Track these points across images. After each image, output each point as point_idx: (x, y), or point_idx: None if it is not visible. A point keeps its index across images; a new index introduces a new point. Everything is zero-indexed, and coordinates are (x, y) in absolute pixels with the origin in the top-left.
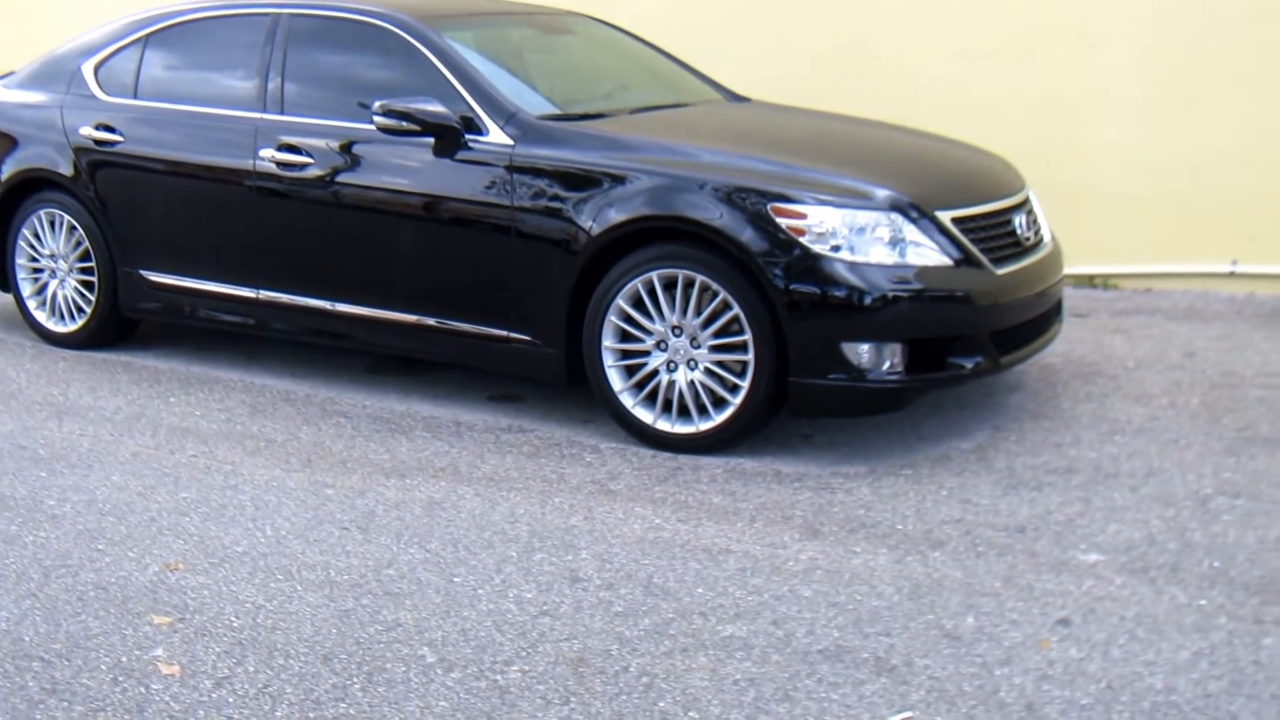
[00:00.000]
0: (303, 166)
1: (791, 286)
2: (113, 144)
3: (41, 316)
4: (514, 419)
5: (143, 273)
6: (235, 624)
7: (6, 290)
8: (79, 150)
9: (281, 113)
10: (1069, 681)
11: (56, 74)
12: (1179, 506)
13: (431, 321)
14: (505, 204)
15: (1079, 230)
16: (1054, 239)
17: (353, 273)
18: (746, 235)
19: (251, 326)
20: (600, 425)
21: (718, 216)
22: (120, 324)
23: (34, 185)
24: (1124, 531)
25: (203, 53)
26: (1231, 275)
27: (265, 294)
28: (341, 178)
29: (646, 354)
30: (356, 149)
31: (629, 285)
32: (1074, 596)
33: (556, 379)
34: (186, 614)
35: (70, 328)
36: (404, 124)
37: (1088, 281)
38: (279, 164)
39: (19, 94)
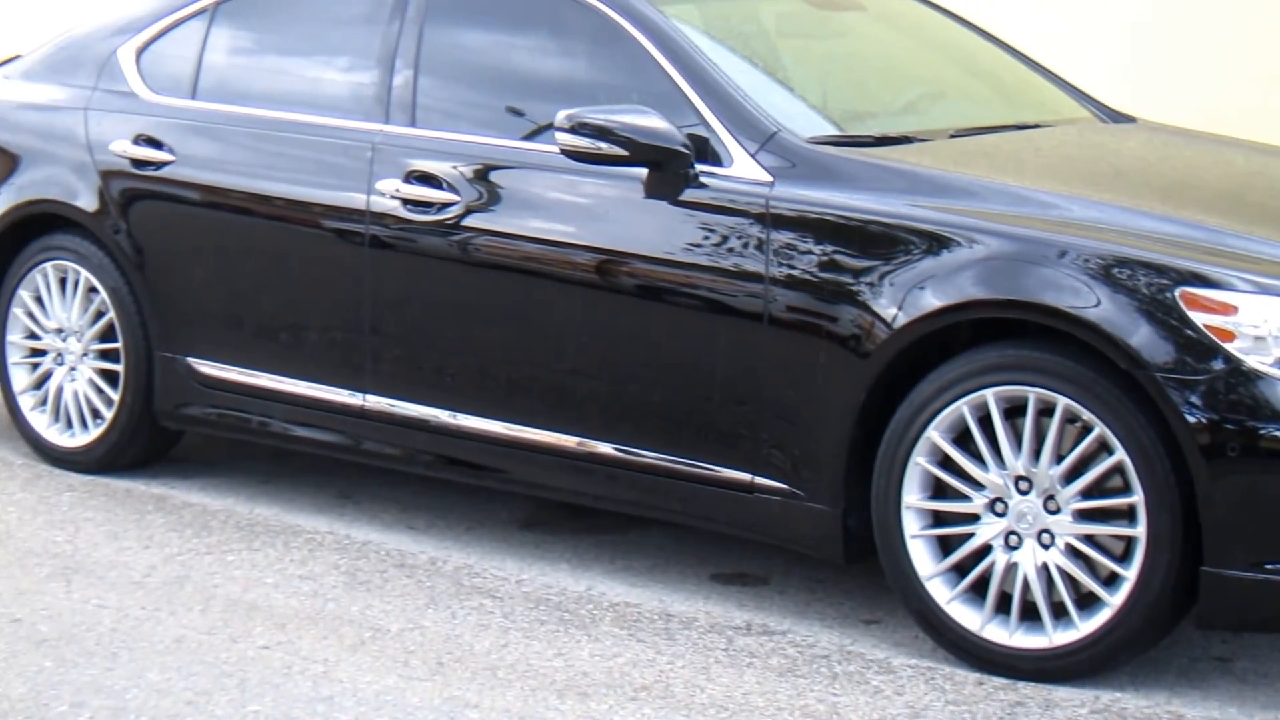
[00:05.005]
0: (442, 206)
1: (1211, 420)
2: (159, 165)
3: (39, 422)
4: (754, 613)
5: (192, 361)
6: None
7: None
8: (109, 174)
9: (413, 124)
10: None
11: (80, 61)
12: None
13: (627, 453)
14: (756, 273)
15: None
16: None
17: (512, 375)
18: (1139, 336)
19: (347, 449)
20: (893, 627)
21: (1092, 304)
22: (154, 437)
23: (39, 225)
24: None
25: (295, 33)
26: None
27: (375, 401)
28: (500, 224)
29: (973, 519)
30: (524, 182)
31: (949, 409)
32: None
33: (827, 551)
34: None
35: (81, 440)
36: (602, 146)
37: None
38: (406, 202)
39: (24, 89)
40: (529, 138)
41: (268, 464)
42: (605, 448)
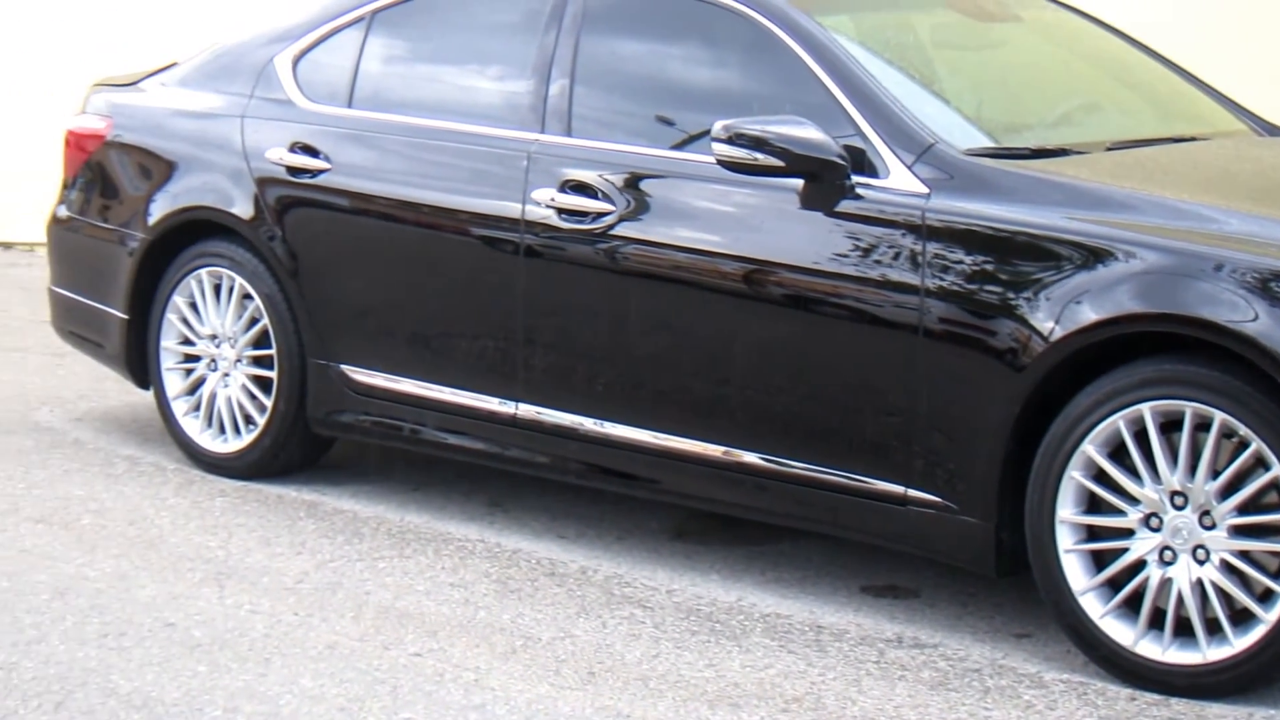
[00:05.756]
0: (597, 216)
1: None
2: (315, 173)
3: (192, 427)
4: (905, 625)
5: (345, 369)
6: None
7: (145, 386)
8: (264, 181)
9: (568, 133)
10: None
11: (236, 69)
12: None
13: (777, 464)
14: (911, 284)
15: None
16: None
17: (662, 384)
18: None
19: (499, 457)
20: (1045, 642)
21: (1250, 319)
22: (306, 443)
23: (195, 232)
24: None
25: (451, 42)
26: None
27: (527, 409)
28: (655, 234)
29: (1128, 534)
30: (678, 192)
31: (1105, 423)
32: None
33: (979, 564)
34: None
35: (233, 446)
36: (758, 157)
37: None
38: (562, 211)
39: (181, 96)
40: (683, 147)
41: (418, 472)
42: (753, 458)
